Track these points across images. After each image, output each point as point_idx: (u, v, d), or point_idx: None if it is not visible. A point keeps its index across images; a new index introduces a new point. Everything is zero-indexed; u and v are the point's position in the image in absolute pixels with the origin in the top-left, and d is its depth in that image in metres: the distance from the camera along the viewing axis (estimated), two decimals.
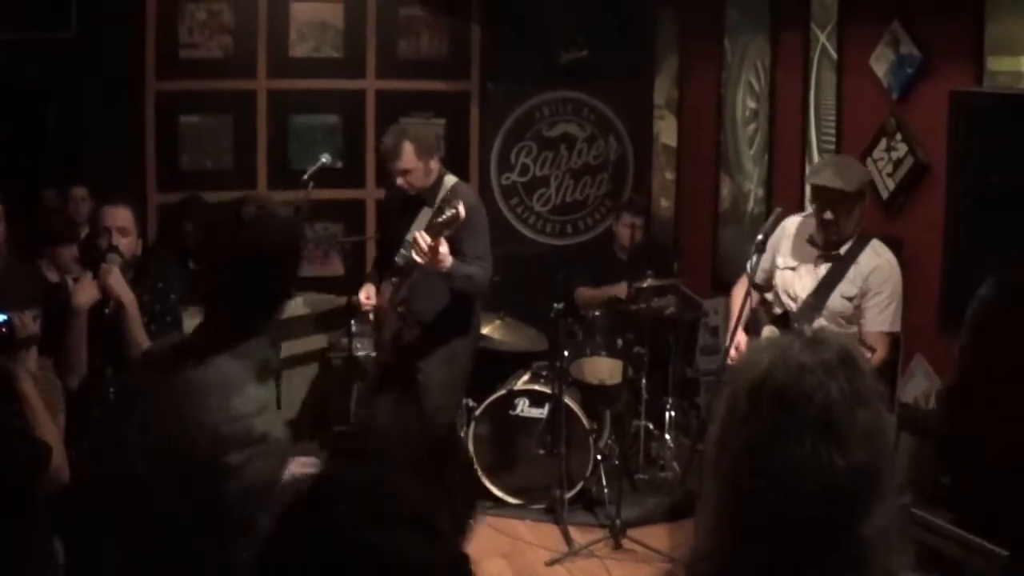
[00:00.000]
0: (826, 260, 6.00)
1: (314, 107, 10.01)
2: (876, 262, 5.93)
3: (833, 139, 7.49)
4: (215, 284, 3.24)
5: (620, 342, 8.28)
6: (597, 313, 8.49)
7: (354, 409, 8.43)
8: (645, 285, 8.21)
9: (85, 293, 5.24)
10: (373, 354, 7.71)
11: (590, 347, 8.34)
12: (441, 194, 7.19)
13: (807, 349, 2.14)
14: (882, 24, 6.89)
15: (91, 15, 9.20)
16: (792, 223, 6.28)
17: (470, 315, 7.54)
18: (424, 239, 6.56)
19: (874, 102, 7.03)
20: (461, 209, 6.46)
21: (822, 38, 7.57)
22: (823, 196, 5.97)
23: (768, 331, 6.03)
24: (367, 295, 7.48)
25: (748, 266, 6.27)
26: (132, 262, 5.55)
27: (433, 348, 7.33)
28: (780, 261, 6.24)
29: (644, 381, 8.30)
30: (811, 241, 6.09)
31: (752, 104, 8.66)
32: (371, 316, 7.49)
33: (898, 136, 6.82)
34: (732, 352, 6.21)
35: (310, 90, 9.96)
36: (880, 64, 6.95)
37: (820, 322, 5.89)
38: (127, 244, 5.49)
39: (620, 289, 8.67)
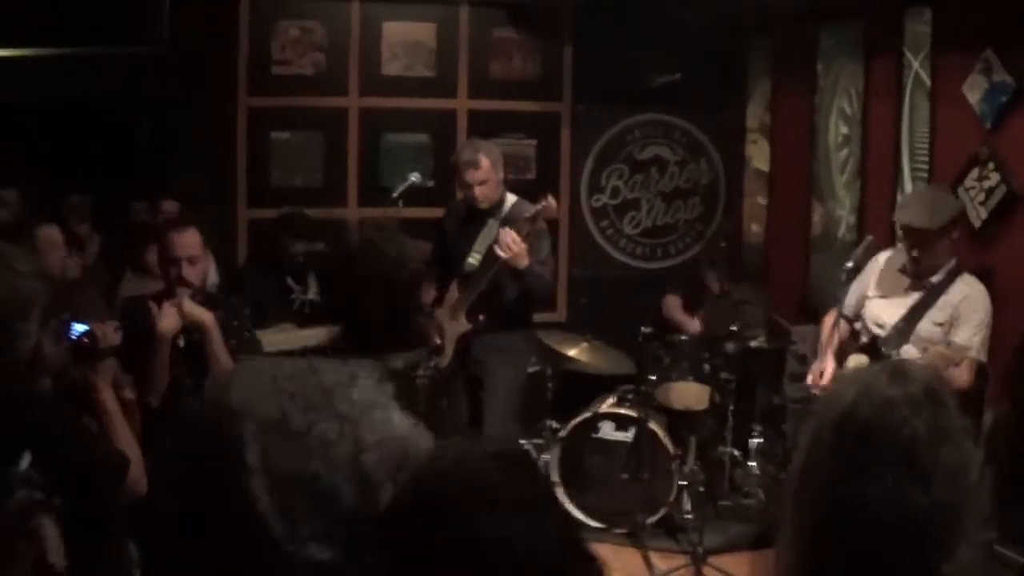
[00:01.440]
0: (917, 289, 5.90)
1: (405, 126, 10.03)
2: (967, 291, 5.85)
3: (926, 167, 7.38)
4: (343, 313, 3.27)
5: (707, 368, 8.20)
6: (684, 337, 8.42)
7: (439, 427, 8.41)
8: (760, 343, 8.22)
9: (169, 321, 5.30)
10: (440, 366, 7.76)
11: (677, 372, 8.25)
12: (505, 208, 7.50)
13: (893, 383, 2.09)
14: (975, 52, 6.78)
15: (184, 31, 9.29)
16: (884, 256, 6.21)
17: (530, 320, 7.91)
18: (511, 235, 6.99)
19: (967, 130, 6.92)
20: (552, 201, 7.08)
21: (915, 65, 7.47)
22: (909, 234, 5.90)
23: (854, 360, 5.94)
24: (431, 299, 7.72)
25: (838, 297, 6.23)
26: (203, 286, 5.61)
27: (497, 353, 7.56)
28: (870, 292, 6.16)
29: (731, 408, 8.20)
30: (903, 270, 6.00)
31: (844, 130, 8.56)
32: (436, 319, 7.63)
33: (990, 165, 6.71)
34: (810, 378, 6.17)
35: (401, 109, 9.99)
36: (973, 92, 6.83)
37: (908, 348, 5.80)
38: (197, 272, 5.55)
39: (695, 327, 8.69)
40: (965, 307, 5.81)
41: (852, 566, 2.01)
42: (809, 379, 6.28)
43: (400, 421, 3.08)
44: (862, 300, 6.24)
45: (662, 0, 9.31)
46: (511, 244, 7.04)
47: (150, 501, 3.88)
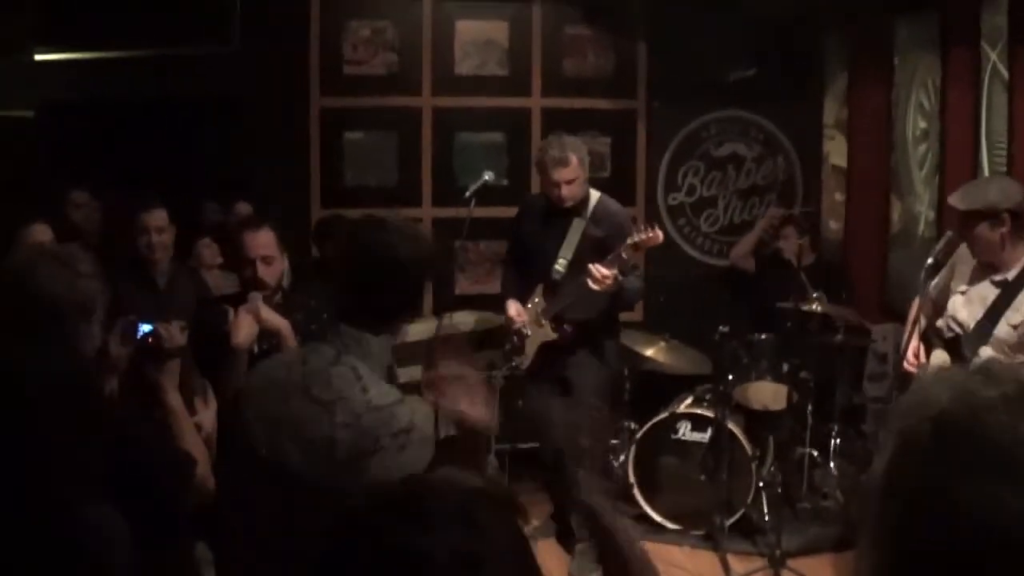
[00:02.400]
0: (995, 286, 5.76)
1: (479, 125, 10.01)
2: None
3: (1004, 160, 7.22)
4: (337, 296, 3.36)
5: (786, 367, 8.11)
6: (763, 337, 8.31)
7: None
8: (816, 308, 8.05)
9: (244, 332, 5.21)
10: (521, 367, 7.67)
11: (755, 371, 8.17)
12: (590, 207, 7.36)
13: (987, 384, 2.01)
14: None
15: (256, 32, 9.33)
16: (964, 247, 6.06)
17: (617, 321, 7.77)
18: (600, 270, 6.85)
19: None
20: (659, 232, 6.89)
21: (993, 56, 7.32)
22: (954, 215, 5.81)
23: (938, 356, 5.82)
24: (516, 311, 7.51)
25: (921, 292, 6.13)
26: (279, 286, 5.55)
27: (586, 355, 7.41)
28: (954, 284, 6.03)
29: (809, 407, 8.11)
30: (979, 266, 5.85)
31: (923, 124, 8.42)
32: (521, 330, 7.46)
33: None
34: (908, 363, 6.04)
35: (475, 108, 9.97)
36: None
37: (986, 351, 5.66)
38: (272, 272, 5.48)
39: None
40: None
41: (941, 571, 1.93)
42: (909, 358, 6.14)
43: (380, 396, 3.21)
44: (947, 289, 6.11)
45: None
46: (601, 280, 6.90)
47: (219, 502, 3.87)
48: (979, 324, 5.74)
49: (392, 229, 3.32)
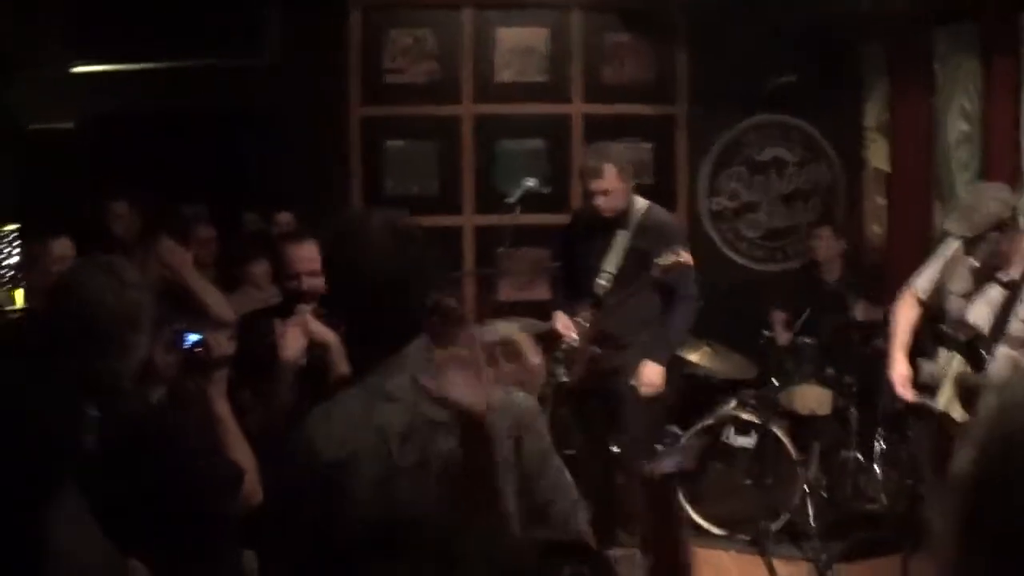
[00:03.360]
0: (1002, 286, 5.73)
1: (520, 132, 10.02)
2: None
3: None
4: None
5: (831, 371, 8.09)
6: (808, 340, 8.29)
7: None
8: (860, 319, 8.05)
9: (292, 348, 5.15)
10: (565, 379, 7.60)
11: (799, 375, 8.16)
12: (635, 217, 7.20)
13: None
14: None
15: (296, 42, 9.38)
16: (953, 245, 6.02)
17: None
18: (648, 377, 7.00)
19: None
20: (685, 255, 6.86)
21: None
22: (964, 242, 5.74)
23: (944, 357, 5.78)
24: (565, 325, 7.32)
25: (914, 284, 6.14)
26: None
27: (633, 368, 7.18)
28: (950, 286, 6.00)
29: (854, 411, 8.08)
30: (976, 268, 5.81)
31: (965, 127, 8.38)
32: (569, 344, 7.35)
33: None
34: (900, 389, 6.04)
35: (515, 115, 9.99)
36: None
37: (1003, 350, 5.65)
38: (317, 285, 5.42)
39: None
40: None
41: None
42: (900, 389, 6.13)
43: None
44: (941, 291, 6.08)
45: (776, 0, 9.16)
46: (651, 387, 7.05)
47: (267, 511, 3.88)
48: (992, 325, 5.72)
49: (366, 242, 3.11)
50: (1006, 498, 1.95)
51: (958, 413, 5.67)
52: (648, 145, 10.19)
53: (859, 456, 8.17)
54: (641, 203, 7.29)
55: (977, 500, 1.99)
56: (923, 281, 6.25)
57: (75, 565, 2.92)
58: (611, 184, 7.02)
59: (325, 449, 2.98)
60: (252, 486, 3.85)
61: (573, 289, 7.49)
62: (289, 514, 3.10)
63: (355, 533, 2.94)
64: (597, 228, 7.25)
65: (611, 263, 7.19)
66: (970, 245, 5.69)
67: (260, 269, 7.77)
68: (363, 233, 3.11)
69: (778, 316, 9.08)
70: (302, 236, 5.56)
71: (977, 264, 5.68)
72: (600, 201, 7.06)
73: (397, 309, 3.07)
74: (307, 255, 5.46)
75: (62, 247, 6.36)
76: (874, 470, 8.13)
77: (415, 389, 2.93)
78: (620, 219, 7.18)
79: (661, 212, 7.37)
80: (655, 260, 6.84)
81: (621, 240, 7.15)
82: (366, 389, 3.06)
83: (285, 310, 5.38)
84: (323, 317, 5.31)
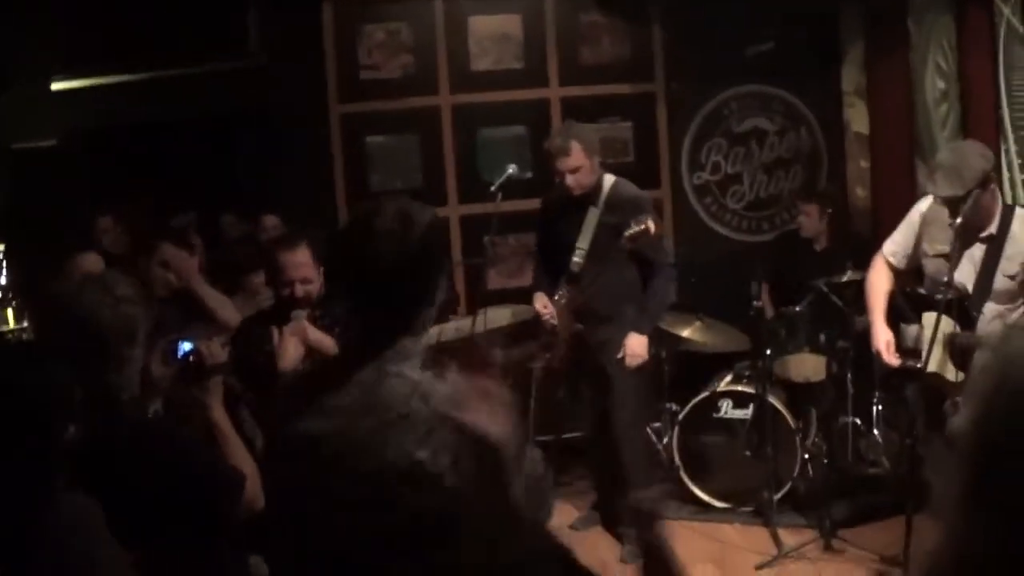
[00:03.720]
0: (980, 242, 5.75)
1: (500, 119, 10.02)
2: None
3: None
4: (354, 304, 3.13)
5: (823, 337, 8.11)
6: (799, 308, 8.31)
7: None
8: (845, 279, 8.06)
9: (290, 357, 5.11)
10: (554, 360, 7.67)
11: (793, 344, 8.17)
12: (604, 193, 7.27)
13: None
14: None
15: (270, 43, 9.40)
16: (927, 207, 6.03)
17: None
18: (634, 349, 7.17)
19: None
20: (651, 224, 6.76)
21: (1007, 12, 7.30)
22: (945, 203, 5.74)
23: (930, 319, 5.79)
24: (543, 304, 7.44)
25: (884, 250, 6.18)
26: (318, 301, 5.47)
27: (618, 342, 7.28)
28: (928, 247, 6.01)
29: (849, 376, 8.10)
30: (952, 226, 5.81)
31: (941, 85, 8.40)
32: (550, 322, 7.44)
33: None
34: (885, 354, 6.07)
35: (494, 102, 9.99)
36: None
37: (990, 306, 5.68)
38: (311, 291, 5.41)
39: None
40: None
41: None
42: (885, 356, 6.16)
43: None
44: (916, 253, 6.10)
45: None
46: (637, 357, 7.21)
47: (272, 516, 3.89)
48: (977, 282, 5.74)
49: (383, 217, 3.04)
50: (1011, 455, 1.97)
51: (951, 373, 5.68)
52: (628, 123, 10.21)
53: (857, 421, 8.18)
54: (609, 179, 7.35)
55: (982, 459, 2.01)
56: (893, 245, 6.28)
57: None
58: (579, 161, 7.07)
59: (323, 440, 2.95)
60: (254, 491, 3.85)
61: (551, 269, 7.56)
62: (291, 510, 3.10)
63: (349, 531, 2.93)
64: (568, 207, 7.32)
65: (584, 239, 7.27)
66: (953, 205, 5.70)
67: (259, 280, 7.81)
68: (376, 218, 3.03)
69: (765, 288, 9.11)
70: (294, 242, 5.51)
71: (959, 222, 5.67)
72: (570, 180, 7.12)
73: (404, 298, 3.05)
74: (300, 261, 5.44)
75: (92, 262, 6.41)
76: (873, 434, 8.15)
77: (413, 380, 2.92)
78: (590, 196, 7.25)
79: (628, 185, 7.39)
80: (624, 232, 6.86)
81: (592, 216, 7.23)
82: (365, 379, 2.99)
83: (280, 316, 5.37)
84: (318, 321, 5.31)
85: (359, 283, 3.04)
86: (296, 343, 5.14)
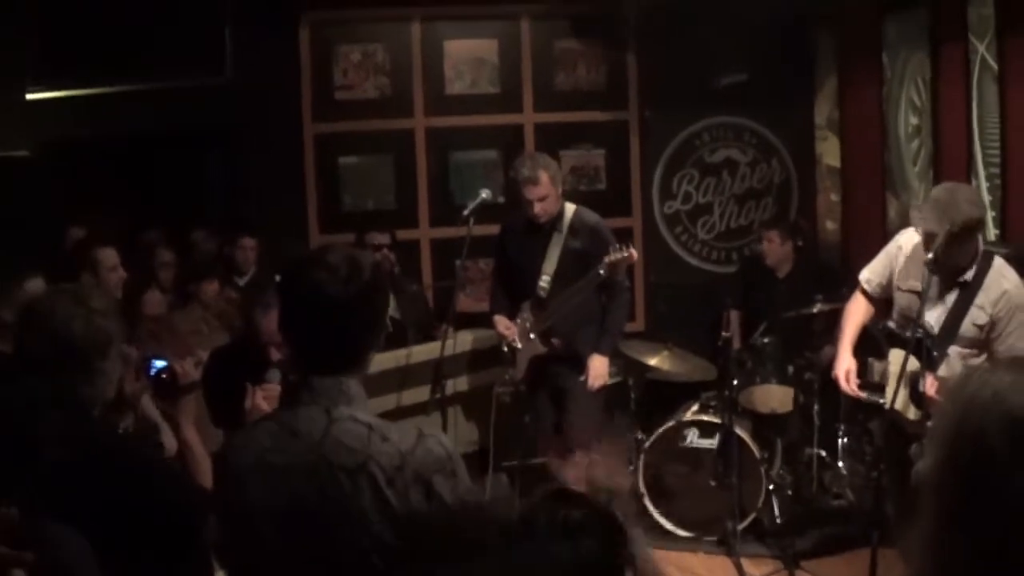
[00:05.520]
0: (953, 287, 5.78)
1: (473, 143, 10.07)
2: (1004, 287, 5.67)
3: (998, 152, 7.26)
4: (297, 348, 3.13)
5: (790, 369, 8.15)
6: (767, 339, 8.36)
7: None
8: (815, 311, 8.13)
9: (259, 412, 5.03)
10: (514, 379, 7.76)
11: (760, 375, 8.22)
12: (567, 219, 7.46)
13: None
14: None
15: (246, 61, 9.39)
16: (908, 241, 6.06)
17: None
18: (597, 370, 7.35)
19: None
20: (633, 251, 7.02)
21: (981, 49, 7.36)
22: (925, 238, 5.77)
23: (896, 356, 5.83)
24: (506, 326, 7.64)
25: (860, 278, 6.29)
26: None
27: (578, 365, 7.47)
28: (901, 283, 6.04)
29: (816, 408, 8.13)
30: (927, 264, 5.82)
31: (914, 120, 8.46)
32: (512, 345, 7.61)
33: None
34: (842, 383, 6.11)
35: (468, 126, 10.03)
36: None
37: (954, 349, 5.70)
38: (286, 352, 5.38)
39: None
40: (1005, 306, 5.64)
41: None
42: (842, 384, 6.20)
43: (403, 437, 2.99)
44: (890, 286, 6.13)
45: (724, 1, 9.22)
46: (599, 378, 7.39)
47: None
48: (944, 325, 5.76)
49: (330, 263, 3.04)
50: (974, 495, 2.00)
51: (912, 413, 5.71)
52: (601, 151, 10.26)
53: (822, 452, 8.21)
54: (570, 206, 7.55)
55: (949, 500, 2.04)
56: (869, 272, 6.31)
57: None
58: (547, 190, 7.26)
59: (244, 484, 2.99)
60: None
61: (512, 293, 7.74)
62: (231, 539, 3.11)
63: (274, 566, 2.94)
64: (533, 233, 7.50)
65: (549, 264, 7.45)
66: (929, 239, 5.72)
67: (211, 288, 7.82)
68: (323, 260, 3.07)
69: (735, 316, 9.16)
70: (270, 305, 5.48)
71: (931, 258, 5.69)
72: (537, 207, 7.30)
73: (348, 339, 3.06)
74: (276, 326, 5.41)
75: (110, 257, 6.38)
76: (838, 466, 8.18)
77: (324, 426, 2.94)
78: (553, 223, 7.44)
79: (590, 213, 7.59)
80: (604, 258, 7.03)
81: (557, 242, 7.43)
82: (279, 421, 3.05)
83: (249, 359, 5.34)
84: (288, 379, 5.19)
85: (306, 324, 3.06)
86: (264, 409, 5.01)
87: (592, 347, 7.45)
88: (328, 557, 2.88)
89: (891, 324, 6.11)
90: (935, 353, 5.69)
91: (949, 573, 2.08)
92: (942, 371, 5.67)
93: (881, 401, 5.73)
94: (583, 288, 7.21)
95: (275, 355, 5.38)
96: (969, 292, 5.72)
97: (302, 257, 3.20)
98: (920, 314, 5.60)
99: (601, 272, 7.04)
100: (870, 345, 6.25)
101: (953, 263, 5.71)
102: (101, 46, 9.07)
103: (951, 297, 5.75)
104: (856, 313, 6.33)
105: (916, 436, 5.51)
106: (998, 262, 5.78)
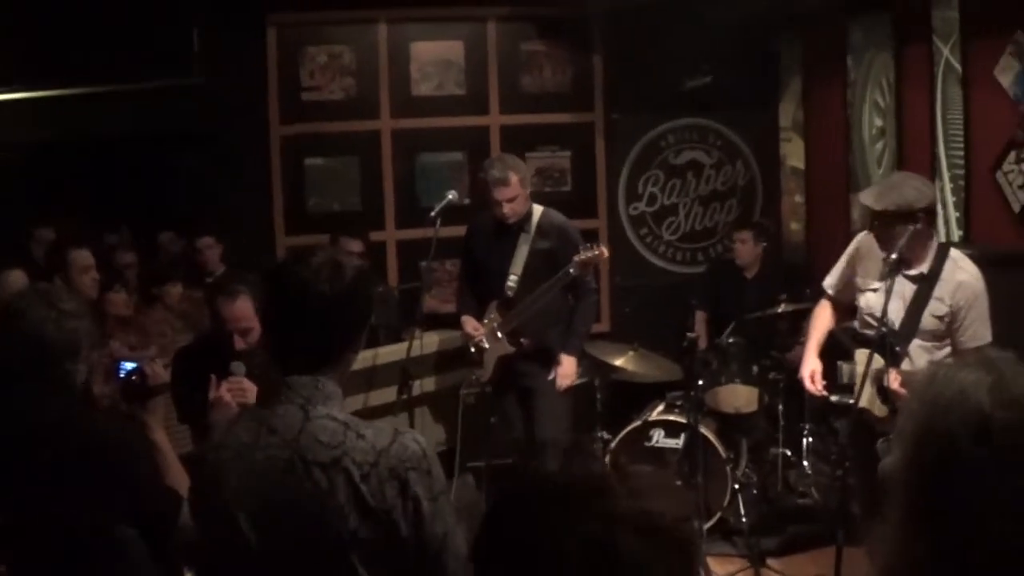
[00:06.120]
0: (911, 281, 5.82)
1: (439, 145, 10.06)
2: (960, 277, 5.72)
3: (962, 154, 7.32)
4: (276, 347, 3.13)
5: (755, 369, 8.21)
6: (732, 340, 8.41)
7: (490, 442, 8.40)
8: (779, 311, 8.19)
9: (224, 413, 4.97)
10: (481, 379, 7.79)
11: (725, 375, 8.26)
12: (534, 221, 7.52)
13: (1009, 380, 2.11)
14: (1005, 35, 6.71)
15: (213, 62, 9.36)
16: (866, 242, 6.10)
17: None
18: (566, 370, 7.43)
19: (1002, 114, 6.84)
20: (604, 250, 7.11)
21: (945, 52, 7.42)
22: (864, 212, 5.86)
23: (862, 355, 5.87)
24: (473, 327, 7.66)
25: (825, 282, 6.35)
26: (258, 349, 5.35)
27: (546, 365, 7.54)
28: (861, 282, 6.09)
29: (781, 408, 8.19)
30: (886, 261, 5.87)
31: (879, 122, 8.52)
32: (479, 345, 7.63)
33: None
34: (808, 384, 6.16)
35: (434, 128, 10.02)
36: (1005, 75, 6.77)
37: (916, 343, 5.75)
38: (250, 340, 5.34)
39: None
40: (962, 295, 5.68)
41: (995, 560, 2.02)
42: (807, 384, 6.24)
43: (377, 435, 3.01)
44: (852, 286, 6.18)
45: (690, 3, 9.26)
46: (568, 378, 7.47)
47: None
48: (905, 319, 5.81)
49: (312, 264, 3.05)
50: (945, 494, 2.04)
51: (879, 409, 5.75)
52: (567, 153, 10.27)
53: (787, 452, 8.27)
54: (537, 207, 7.60)
55: (916, 496, 2.07)
56: (831, 277, 6.36)
57: None
58: (516, 191, 7.32)
59: (223, 480, 2.98)
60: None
61: (479, 293, 7.78)
62: (206, 541, 3.10)
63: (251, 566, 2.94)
64: (500, 234, 7.55)
65: (517, 265, 7.50)
66: (868, 216, 5.80)
67: (175, 290, 7.81)
68: (308, 261, 3.07)
69: (701, 317, 9.22)
70: (234, 292, 5.44)
71: (891, 257, 5.73)
72: (507, 208, 7.35)
73: (330, 339, 3.07)
74: (240, 311, 5.37)
75: (83, 258, 6.37)
76: (803, 465, 8.25)
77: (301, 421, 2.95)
78: (521, 223, 7.49)
79: (556, 215, 7.65)
80: (575, 257, 7.11)
81: (524, 243, 7.48)
82: (259, 418, 3.04)
83: (217, 352, 5.28)
84: (256, 372, 5.17)
85: (288, 322, 3.06)
86: (231, 406, 4.96)
87: (560, 347, 7.49)
88: (305, 553, 2.88)
89: (855, 324, 6.16)
90: (898, 348, 5.74)
91: (914, 570, 2.12)
92: (905, 365, 5.71)
93: (851, 402, 5.76)
94: (553, 287, 7.25)
95: (240, 344, 5.32)
96: (927, 284, 5.76)
97: (287, 257, 3.21)
98: (884, 312, 5.64)
99: (572, 271, 7.09)
100: (839, 349, 6.30)
101: (908, 256, 5.74)
102: (67, 48, 9.03)
103: (909, 291, 5.80)
104: (821, 318, 6.38)
105: (883, 433, 5.55)
106: (955, 253, 5.84)
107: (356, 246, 8.67)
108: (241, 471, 2.95)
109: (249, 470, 2.95)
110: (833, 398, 6.24)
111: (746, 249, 9.20)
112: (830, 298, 6.37)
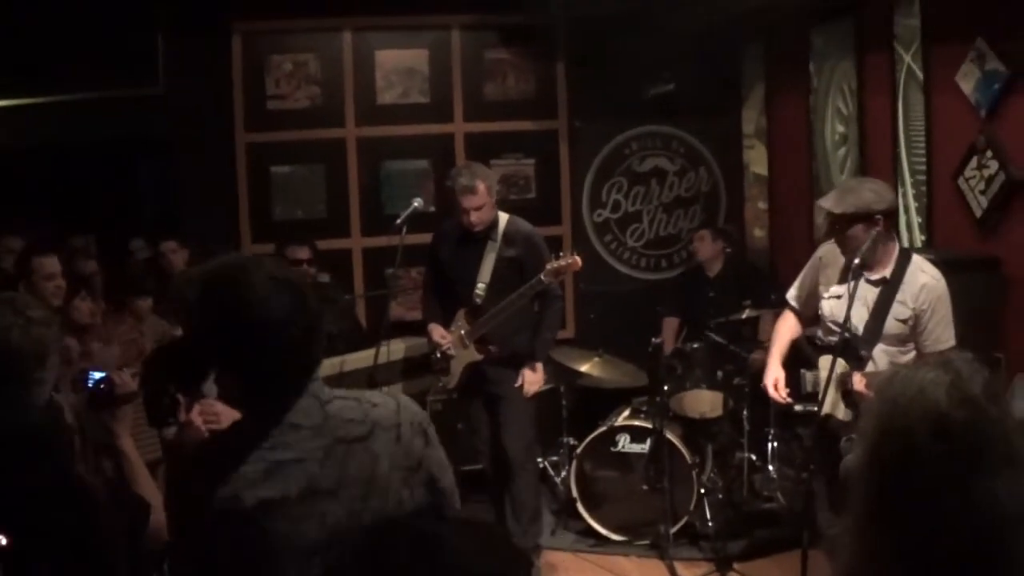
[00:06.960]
0: (874, 285, 5.87)
1: (404, 153, 10.08)
2: (923, 280, 5.76)
3: (924, 160, 7.37)
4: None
5: (720, 374, 8.24)
6: (696, 346, 8.45)
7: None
8: (743, 316, 8.24)
9: (195, 434, 4.90)
10: (447, 386, 7.79)
11: (690, 380, 8.29)
12: (500, 229, 7.53)
13: (971, 382, 2.14)
14: (967, 42, 6.75)
15: (179, 71, 9.36)
16: (827, 251, 6.14)
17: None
18: (532, 377, 7.47)
19: (963, 120, 6.89)
20: (577, 260, 7.10)
21: (907, 59, 7.47)
22: (824, 217, 5.92)
23: (825, 362, 5.90)
24: (441, 335, 7.64)
25: (788, 293, 6.42)
26: None
27: (513, 371, 7.54)
28: (823, 290, 6.13)
29: (746, 412, 8.23)
30: (848, 267, 5.91)
31: (841, 129, 8.57)
32: (447, 353, 7.62)
33: (988, 153, 6.68)
34: (772, 392, 6.20)
35: (399, 136, 10.04)
36: (967, 82, 6.82)
37: (880, 347, 5.79)
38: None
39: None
40: (925, 298, 5.72)
41: (953, 554, 2.05)
42: (772, 392, 6.28)
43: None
44: (815, 297, 6.21)
45: (653, 12, 9.29)
46: (535, 385, 7.50)
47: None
48: (868, 324, 5.85)
49: (248, 283, 2.95)
50: (905, 493, 2.07)
51: (842, 412, 5.78)
52: (531, 160, 10.30)
53: (753, 456, 8.31)
54: (503, 215, 7.61)
55: (876, 494, 2.10)
56: (795, 289, 6.41)
57: None
58: (483, 200, 7.31)
59: (246, 496, 2.83)
60: (158, 523, 3.82)
61: (446, 301, 7.76)
62: (211, 559, 3.03)
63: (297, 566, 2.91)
64: (467, 241, 7.55)
65: (485, 273, 7.50)
66: (826, 218, 5.86)
67: (144, 305, 7.79)
68: (243, 282, 2.96)
69: (667, 323, 9.27)
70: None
71: (855, 262, 5.76)
72: (474, 216, 7.34)
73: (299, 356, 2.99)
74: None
75: (47, 266, 6.35)
76: (768, 469, 8.28)
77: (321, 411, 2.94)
78: (488, 231, 7.49)
79: (523, 223, 7.66)
80: (548, 265, 7.11)
81: (491, 251, 7.49)
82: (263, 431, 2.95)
83: (190, 369, 5.22)
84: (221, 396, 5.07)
85: (244, 351, 2.95)
86: (201, 429, 4.88)
87: (527, 354, 7.51)
88: (352, 532, 2.84)
89: (818, 332, 6.19)
90: (863, 353, 5.78)
91: (875, 569, 2.15)
92: (869, 369, 5.75)
93: (815, 410, 5.79)
94: (524, 295, 7.25)
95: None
96: (890, 289, 5.81)
97: (216, 276, 3.07)
98: (847, 317, 5.67)
99: (544, 279, 7.10)
100: (802, 358, 6.33)
101: (869, 261, 5.78)
102: (32, 57, 9.02)
103: (872, 296, 5.84)
104: (785, 328, 6.43)
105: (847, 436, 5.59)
106: (916, 258, 5.89)
107: (303, 253, 8.69)
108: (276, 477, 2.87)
109: (278, 472, 2.88)
110: (797, 407, 6.26)
111: (704, 246, 9.25)
112: (794, 309, 6.41)
